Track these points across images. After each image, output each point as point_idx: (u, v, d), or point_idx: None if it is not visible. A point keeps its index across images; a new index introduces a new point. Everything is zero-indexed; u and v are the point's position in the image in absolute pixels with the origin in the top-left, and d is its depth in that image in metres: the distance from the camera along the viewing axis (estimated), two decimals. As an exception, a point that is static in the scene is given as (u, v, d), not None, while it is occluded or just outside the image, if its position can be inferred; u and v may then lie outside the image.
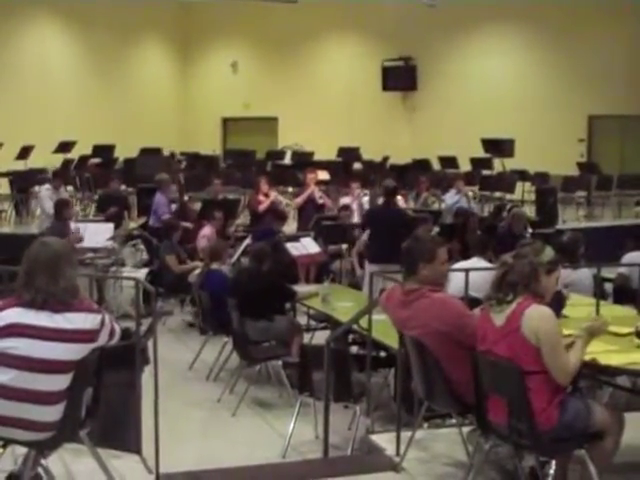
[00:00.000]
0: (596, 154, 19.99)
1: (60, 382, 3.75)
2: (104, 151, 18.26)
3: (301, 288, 8.28)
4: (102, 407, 4.14)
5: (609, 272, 7.78)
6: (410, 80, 21.63)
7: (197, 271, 8.82)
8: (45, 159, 16.99)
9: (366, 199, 12.78)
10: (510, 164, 17.87)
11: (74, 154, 17.67)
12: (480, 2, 19.91)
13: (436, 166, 18.70)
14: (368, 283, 6.43)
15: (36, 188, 14.96)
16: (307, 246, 10.20)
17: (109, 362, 4.14)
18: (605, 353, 4.20)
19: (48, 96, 19.28)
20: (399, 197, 11.27)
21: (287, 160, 19.65)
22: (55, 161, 17.03)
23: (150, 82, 22.79)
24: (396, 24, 20.97)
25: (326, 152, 19.21)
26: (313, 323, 8.38)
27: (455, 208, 12.85)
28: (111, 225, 10.59)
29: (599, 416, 3.91)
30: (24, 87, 18.77)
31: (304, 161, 18.25)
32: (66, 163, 17.08)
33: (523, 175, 17.31)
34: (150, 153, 18.74)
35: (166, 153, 19.78)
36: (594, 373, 4.45)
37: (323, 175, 15.42)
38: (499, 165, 18.13)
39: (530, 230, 11.23)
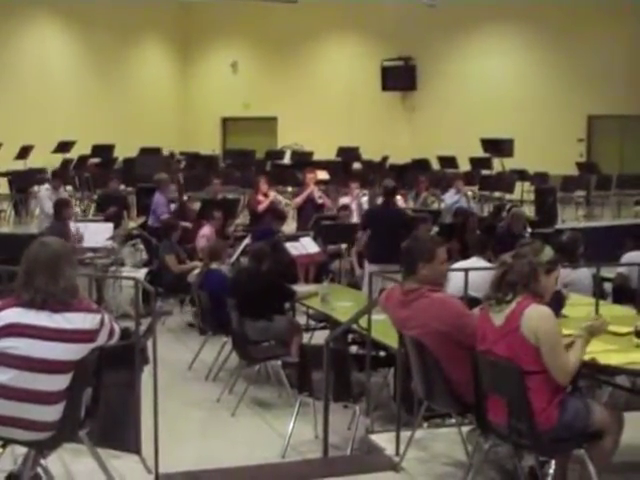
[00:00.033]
0: (595, 154, 20.00)
1: (60, 382, 3.75)
2: (103, 151, 18.26)
3: (300, 288, 8.28)
4: (102, 407, 4.14)
5: (608, 272, 7.78)
6: (410, 80, 21.63)
7: (196, 271, 8.82)
8: (44, 159, 17.00)
9: (365, 199, 12.78)
10: (509, 164, 17.88)
11: (73, 154, 17.68)
12: (480, 2, 19.92)
13: (435, 166, 18.71)
14: (367, 283, 6.42)
15: (35, 188, 14.97)
16: (306, 246, 10.20)
17: (109, 362, 4.14)
18: (604, 353, 4.21)
19: (48, 96, 19.28)
20: (398, 197, 11.27)
21: (286, 160, 19.65)
22: (54, 161, 17.04)
23: (150, 82, 22.78)
24: (396, 24, 20.97)
25: (325, 152, 19.22)
26: (312, 323, 8.37)
27: (454, 208, 12.85)
28: (110, 225, 10.58)
29: (598, 416, 3.91)
30: (24, 87, 18.77)
31: (303, 161, 18.25)
32: (65, 163, 17.09)
33: (522, 175, 17.31)
34: (150, 153, 18.74)
35: (166, 153, 19.78)
36: (593, 373, 4.45)
37: (322, 175, 15.42)
38: (498, 165, 18.13)
39: (529, 230, 11.23)
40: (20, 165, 16.72)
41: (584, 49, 19.28)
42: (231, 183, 16.08)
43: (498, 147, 17.87)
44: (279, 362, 6.99)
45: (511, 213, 11.33)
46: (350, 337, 7.09)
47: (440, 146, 19.02)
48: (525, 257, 4.02)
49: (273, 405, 6.92)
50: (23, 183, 15.74)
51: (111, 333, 3.92)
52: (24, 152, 16.92)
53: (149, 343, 4.89)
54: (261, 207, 12.06)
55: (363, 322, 5.68)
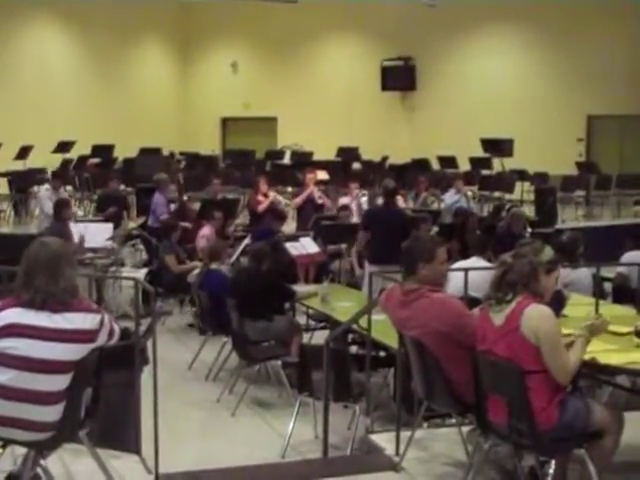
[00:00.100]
0: (595, 154, 20.00)
1: (59, 382, 3.74)
2: (103, 151, 18.27)
3: (300, 288, 8.28)
4: (101, 407, 4.14)
5: (608, 271, 7.78)
6: (409, 80, 21.63)
7: (196, 271, 8.82)
8: (44, 159, 17.01)
9: (365, 199, 12.78)
10: (509, 164, 17.88)
11: (73, 154, 17.68)
12: (480, 2, 19.92)
13: (435, 166, 18.71)
14: (368, 283, 6.42)
15: (35, 188, 14.97)
16: (306, 246, 10.19)
17: (108, 362, 4.14)
18: (604, 352, 4.20)
19: (47, 96, 19.28)
20: (399, 197, 11.26)
21: (286, 160, 19.66)
22: (54, 161, 17.04)
23: (150, 82, 22.78)
24: (396, 24, 20.97)
25: (325, 152, 19.22)
26: (312, 323, 8.37)
27: (454, 208, 12.85)
28: (110, 225, 10.58)
29: (599, 415, 3.91)
30: (24, 87, 18.77)
31: (303, 161, 18.25)
32: (65, 163, 17.09)
33: (522, 175, 17.31)
34: (149, 153, 18.75)
35: (166, 153, 19.79)
36: (594, 372, 4.45)
37: (322, 175, 15.42)
38: (498, 165, 18.13)
39: (529, 230, 11.23)
40: (20, 165, 16.72)
41: (584, 49, 19.29)
42: (231, 183, 16.08)
43: (498, 147, 17.87)
44: (279, 362, 6.99)
45: (511, 213, 11.32)
46: (350, 337, 7.09)
47: (440, 146, 19.02)
48: (525, 257, 4.02)
49: (273, 405, 6.92)
50: (23, 183, 15.74)
51: (111, 333, 3.91)
52: (24, 152, 16.92)
53: (149, 343, 4.89)
54: (261, 207, 12.06)
55: (363, 322, 5.68)
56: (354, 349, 7.06)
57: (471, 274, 5.59)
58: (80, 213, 14.47)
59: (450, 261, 5.71)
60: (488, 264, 6.79)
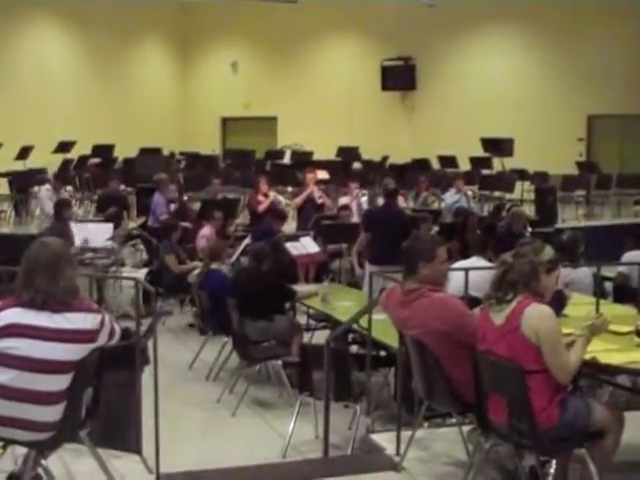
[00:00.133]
0: (595, 153, 20.00)
1: (60, 382, 3.74)
2: (103, 151, 18.26)
3: (301, 288, 8.28)
4: (102, 407, 4.14)
5: (609, 271, 7.78)
6: (409, 80, 21.63)
7: (197, 271, 8.82)
8: (44, 159, 17.00)
9: (365, 199, 12.77)
10: (509, 163, 17.88)
11: (73, 154, 17.67)
12: (480, 2, 19.91)
13: (436, 165, 18.71)
14: (368, 283, 6.42)
15: (36, 188, 14.96)
16: (306, 246, 10.19)
17: (109, 362, 4.14)
18: (605, 352, 4.20)
19: (48, 96, 19.28)
20: (400, 197, 11.26)
21: (286, 160, 19.65)
22: (55, 161, 17.04)
23: (150, 82, 22.79)
24: (396, 24, 20.97)
25: (325, 152, 19.21)
26: (313, 323, 8.38)
27: (455, 207, 12.85)
28: (110, 225, 10.58)
29: (599, 415, 3.91)
30: (24, 88, 18.77)
31: (303, 161, 18.24)
32: (65, 163, 17.08)
33: (522, 174, 17.31)
34: (149, 153, 18.74)
35: (166, 153, 19.78)
36: (594, 372, 4.45)
37: (322, 175, 15.41)
38: (498, 164, 18.13)
39: (530, 229, 11.23)
40: (20, 165, 16.71)
41: (584, 49, 19.28)
42: (231, 183, 16.08)
43: (498, 147, 17.87)
44: (280, 362, 6.99)
45: (511, 212, 11.32)
46: (350, 337, 7.09)
47: (440, 146, 19.02)
48: (525, 256, 4.02)
49: (274, 405, 6.92)
50: (23, 183, 15.73)
51: (111, 333, 3.91)
52: (24, 152, 16.91)
53: (150, 343, 4.89)
54: (261, 207, 12.05)
55: (363, 322, 5.68)
56: (355, 349, 7.06)
57: (471, 274, 5.59)
58: (80, 212, 14.49)
59: (450, 261, 5.72)
60: (488, 264, 6.79)
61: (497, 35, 20.68)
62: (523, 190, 17.19)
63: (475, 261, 7.29)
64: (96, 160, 18.00)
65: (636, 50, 18.93)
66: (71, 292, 3.79)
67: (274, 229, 10.57)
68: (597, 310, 5.13)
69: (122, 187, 15.14)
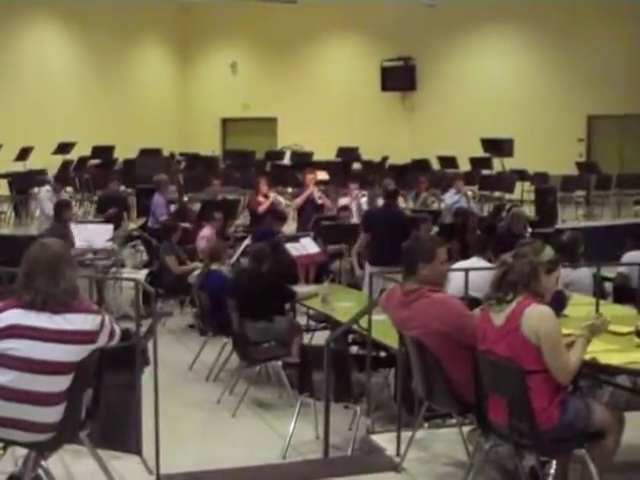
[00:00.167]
0: (595, 154, 20.00)
1: (60, 383, 3.74)
2: (103, 152, 18.25)
3: (301, 288, 8.28)
4: (102, 408, 4.14)
5: (609, 271, 7.78)
6: (409, 80, 21.63)
7: (197, 272, 8.82)
8: (44, 160, 16.99)
9: (364, 200, 12.77)
10: (509, 164, 17.88)
11: (73, 155, 17.67)
12: (480, 2, 19.92)
13: (435, 166, 18.71)
14: (368, 283, 6.42)
15: (35, 189, 14.97)
16: (306, 246, 10.19)
17: (109, 363, 4.14)
18: (605, 352, 4.20)
19: (47, 97, 19.28)
20: (400, 198, 11.26)
21: (286, 160, 19.65)
22: (54, 162, 17.04)
23: (149, 83, 22.79)
24: (395, 24, 20.98)
25: (325, 152, 19.21)
26: (313, 323, 8.38)
27: (454, 208, 12.84)
28: (110, 226, 10.58)
29: (599, 415, 3.91)
30: (23, 88, 18.77)
31: (303, 161, 18.24)
32: (65, 164, 17.08)
33: (522, 175, 17.31)
34: (149, 154, 18.74)
35: (166, 154, 19.78)
36: (594, 372, 4.45)
37: (322, 175, 15.41)
38: (498, 165, 18.13)
39: (529, 230, 11.23)
40: (20, 166, 16.71)
41: (584, 49, 19.28)
42: (231, 184, 16.07)
43: (498, 147, 17.87)
44: (280, 363, 6.99)
45: (511, 213, 11.32)
46: (350, 337, 7.09)
47: (440, 146, 19.01)
48: (525, 257, 4.02)
49: (274, 406, 6.92)
50: (23, 184, 15.72)
51: (111, 334, 3.92)
52: (24, 153, 16.91)
53: (150, 344, 4.89)
54: (262, 208, 12.05)
55: (363, 322, 5.68)
56: (355, 349, 7.06)
57: (471, 274, 5.59)
58: (79, 213, 14.49)
59: (450, 261, 5.71)
60: (488, 264, 6.79)
61: (497, 35, 20.68)
62: (523, 190, 17.19)
63: (475, 261, 7.29)
64: (96, 161, 18.00)
65: (636, 50, 18.93)
66: (71, 293, 3.79)
67: (274, 230, 10.57)
68: (597, 310, 5.13)
69: (122, 188, 15.14)
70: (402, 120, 21.96)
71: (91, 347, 3.82)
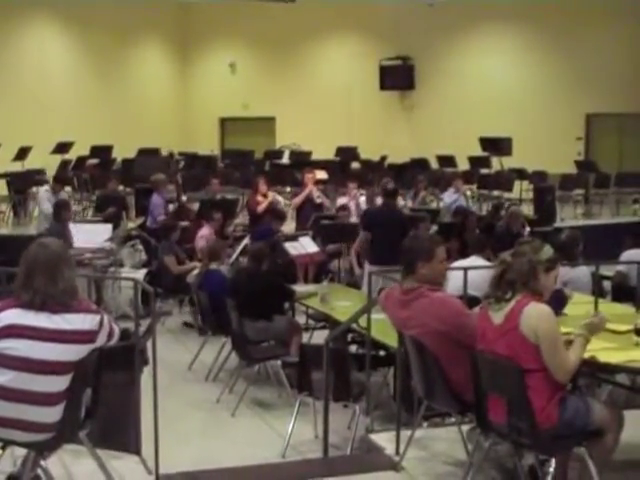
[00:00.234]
0: (594, 152, 20.00)
1: (59, 383, 3.74)
2: (102, 152, 18.25)
3: (300, 288, 8.28)
4: (101, 408, 4.14)
5: (607, 270, 7.78)
6: (408, 79, 21.62)
7: (196, 271, 8.81)
8: (43, 160, 16.99)
9: (363, 199, 12.77)
10: (508, 163, 17.88)
11: (72, 155, 17.66)
12: (478, 1, 19.91)
13: (434, 165, 18.71)
14: (367, 282, 6.42)
15: (34, 189, 14.96)
16: (305, 246, 10.19)
17: (108, 363, 4.13)
18: (604, 351, 4.20)
19: (46, 97, 19.26)
20: (399, 197, 11.26)
21: (285, 160, 19.64)
22: (53, 162, 17.03)
23: (148, 83, 22.77)
24: (394, 23, 20.97)
25: (324, 152, 19.21)
26: (312, 322, 8.38)
27: (453, 207, 12.84)
28: (109, 226, 10.58)
29: (598, 414, 3.91)
30: (23, 88, 18.75)
31: (302, 161, 18.24)
32: (64, 164, 17.07)
33: (521, 173, 17.32)
34: (148, 153, 18.73)
35: (164, 153, 19.77)
36: (593, 371, 4.45)
37: (321, 175, 15.41)
38: (497, 164, 18.14)
39: (528, 228, 11.23)
40: (18, 166, 16.70)
41: (583, 48, 19.28)
42: (230, 183, 16.07)
43: (497, 146, 17.87)
44: (279, 362, 6.99)
45: (509, 212, 11.33)
46: (350, 336, 7.09)
47: (439, 145, 19.02)
48: (524, 255, 4.02)
49: (273, 405, 6.92)
50: (22, 184, 15.71)
51: (110, 334, 3.91)
52: (22, 153, 16.90)
53: (149, 344, 4.89)
54: (260, 207, 12.04)
55: (363, 321, 5.68)
56: (354, 348, 7.06)
57: (470, 273, 5.59)
58: (78, 209, 14.47)
59: (449, 260, 5.71)
60: (487, 263, 6.79)
61: (495, 34, 20.68)
62: (522, 189, 17.20)
63: (474, 260, 7.29)
64: (95, 161, 17.99)
65: (635, 49, 18.93)
66: (70, 293, 3.79)
67: (273, 229, 10.57)
68: (596, 309, 5.14)
69: (121, 188, 15.14)
70: (401, 119, 21.95)
71: (90, 347, 3.81)
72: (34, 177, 15.83)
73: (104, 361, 4.04)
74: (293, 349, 6.96)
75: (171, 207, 12.34)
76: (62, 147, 17.59)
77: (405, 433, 4.91)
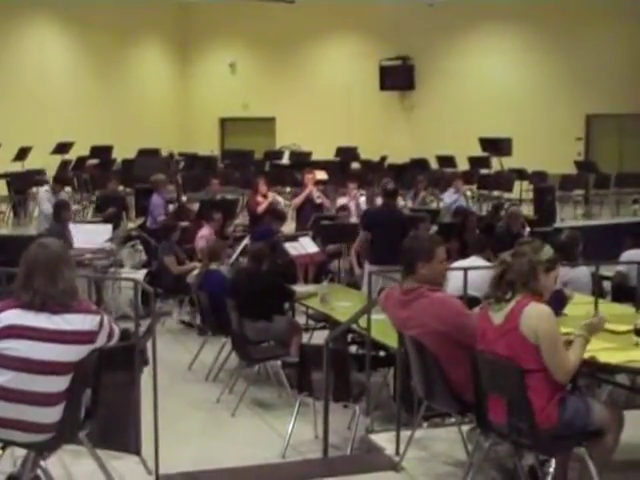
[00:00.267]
0: (594, 153, 20.01)
1: (59, 383, 3.74)
2: (102, 152, 18.24)
3: (300, 288, 8.28)
4: (101, 408, 4.13)
5: (607, 270, 7.79)
6: (408, 79, 21.63)
7: (196, 272, 8.82)
8: (43, 160, 16.98)
9: (363, 199, 12.77)
10: (508, 163, 17.88)
11: (72, 155, 17.66)
12: (478, 1, 19.92)
13: (434, 165, 18.71)
14: (367, 282, 6.42)
15: (34, 189, 14.95)
16: (305, 246, 10.19)
17: (108, 363, 4.13)
18: (604, 351, 4.21)
19: (46, 97, 19.26)
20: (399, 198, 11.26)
21: (285, 160, 19.64)
22: (53, 162, 17.03)
23: (148, 83, 22.77)
24: (394, 23, 20.98)
25: (324, 152, 19.21)
26: (312, 323, 8.38)
27: (453, 207, 12.85)
28: (109, 226, 10.58)
29: (598, 414, 3.91)
30: (23, 88, 18.75)
31: (302, 161, 18.24)
32: (64, 164, 17.07)
33: (521, 174, 17.32)
34: (148, 154, 18.73)
35: (164, 154, 19.77)
36: (593, 371, 4.45)
37: (321, 175, 15.41)
38: (497, 164, 18.14)
39: (528, 229, 11.24)
40: (18, 166, 16.70)
41: (583, 48, 19.29)
42: (230, 183, 16.07)
43: (497, 146, 17.87)
44: (279, 362, 6.99)
45: (508, 212, 11.34)
46: (350, 337, 7.09)
47: (439, 145, 19.02)
48: (524, 256, 4.02)
49: (273, 405, 6.92)
50: (22, 184, 15.71)
51: (110, 334, 3.91)
52: (22, 153, 16.90)
53: (149, 344, 4.89)
54: (260, 208, 12.03)
55: (363, 322, 5.68)
56: (354, 349, 7.06)
57: (470, 273, 5.59)
58: (77, 209, 14.46)
59: (449, 260, 5.72)
60: (487, 263, 6.79)
61: (495, 34, 20.69)
62: (522, 190, 17.20)
63: (474, 261, 7.29)
64: (95, 161, 17.99)
65: (635, 50, 18.93)
66: (70, 293, 3.79)
67: (273, 229, 10.57)
68: (596, 309, 5.14)
69: (121, 188, 15.14)
70: (401, 119, 21.96)
71: (90, 347, 3.81)
72: (34, 177, 15.83)
73: (104, 361, 4.04)
74: (293, 349, 6.96)
75: (171, 207, 12.33)
76: (62, 147, 17.59)
77: (405, 433, 4.91)
